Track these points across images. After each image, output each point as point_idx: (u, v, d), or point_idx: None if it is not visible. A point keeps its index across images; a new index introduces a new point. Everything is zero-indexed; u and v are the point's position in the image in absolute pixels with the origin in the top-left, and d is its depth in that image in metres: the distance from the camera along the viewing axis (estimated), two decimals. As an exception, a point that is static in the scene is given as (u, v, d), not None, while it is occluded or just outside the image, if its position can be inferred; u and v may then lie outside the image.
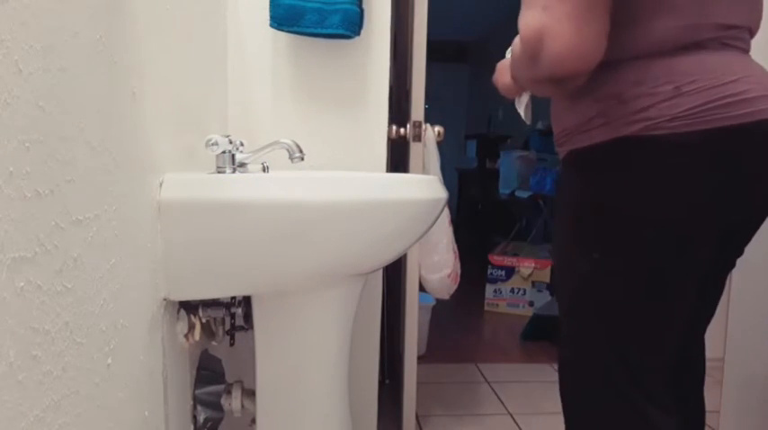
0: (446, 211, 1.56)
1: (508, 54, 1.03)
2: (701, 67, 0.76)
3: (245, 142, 1.13)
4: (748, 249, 0.93)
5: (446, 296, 1.75)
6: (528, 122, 1.16)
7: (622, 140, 0.79)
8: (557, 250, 0.95)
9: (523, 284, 3.23)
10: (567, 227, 0.90)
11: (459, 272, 1.72)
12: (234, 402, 1.13)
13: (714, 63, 0.77)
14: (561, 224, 0.92)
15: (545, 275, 3.20)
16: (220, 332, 1.13)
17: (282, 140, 1.07)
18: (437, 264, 1.66)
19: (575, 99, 0.85)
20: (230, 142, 1.05)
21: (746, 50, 0.82)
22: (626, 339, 0.85)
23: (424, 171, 1.62)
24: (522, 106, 1.13)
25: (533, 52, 0.73)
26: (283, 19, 1.35)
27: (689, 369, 0.97)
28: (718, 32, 0.78)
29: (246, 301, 1.07)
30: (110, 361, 0.70)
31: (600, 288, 0.86)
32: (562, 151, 0.91)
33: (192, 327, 1.02)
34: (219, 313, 1.07)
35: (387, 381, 2.01)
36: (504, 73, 1.05)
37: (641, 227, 0.80)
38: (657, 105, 0.77)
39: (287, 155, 1.07)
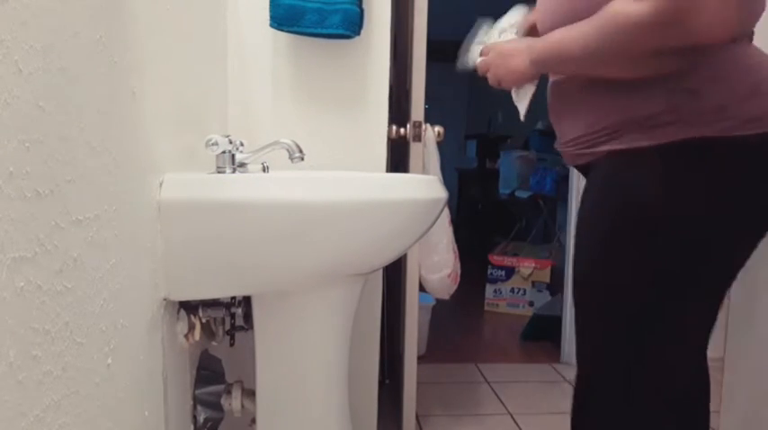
0: (446, 211, 1.56)
1: (501, 36, 1.02)
2: None
3: (245, 142, 1.13)
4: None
5: (446, 296, 1.75)
6: (522, 118, 1.06)
7: (699, 141, 0.75)
8: (587, 262, 0.88)
9: (523, 284, 3.23)
10: (608, 235, 0.84)
11: (459, 272, 1.72)
12: (234, 402, 1.13)
13: None
14: (597, 233, 0.86)
15: (545, 275, 3.20)
16: (220, 332, 1.13)
17: (282, 140, 1.07)
18: (437, 264, 1.66)
19: (630, 92, 0.80)
20: (230, 142, 1.05)
21: None
22: (663, 345, 0.84)
23: (424, 171, 1.62)
24: (525, 98, 1.02)
25: (675, 19, 0.70)
26: (283, 19, 1.35)
27: (700, 382, 0.94)
28: (753, 25, 0.79)
29: (246, 301, 1.07)
30: (110, 361, 0.70)
31: (647, 298, 0.82)
32: (593, 152, 0.85)
33: (192, 327, 1.02)
34: (219, 313, 1.07)
35: (387, 381, 2.00)
36: (510, 56, 0.96)
37: (711, 232, 0.78)
38: (737, 104, 0.75)
39: (287, 155, 1.07)
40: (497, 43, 1.02)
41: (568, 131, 0.91)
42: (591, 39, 0.79)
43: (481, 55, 1.02)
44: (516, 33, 1.05)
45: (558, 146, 0.96)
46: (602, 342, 0.87)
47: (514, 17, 1.06)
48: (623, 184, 0.82)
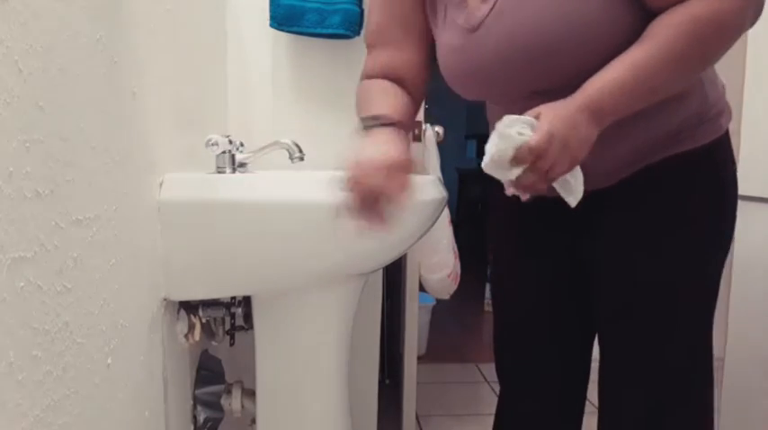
0: (446, 211, 1.56)
1: (502, 154, 0.70)
2: None
3: (245, 142, 1.13)
4: (747, 248, 0.93)
5: (446, 296, 1.75)
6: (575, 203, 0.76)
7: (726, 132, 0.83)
8: (669, 283, 0.83)
9: (523, 284, 3.23)
10: (691, 235, 0.83)
11: (459, 272, 1.72)
12: (234, 402, 1.13)
13: None
14: (682, 238, 0.83)
15: (545, 275, 3.19)
16: (220, 332, 1.13)
17: (282, 140, 1.07)
18: (437, 264, 1.66)
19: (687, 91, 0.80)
20: (230, 142, 1.05)
21: None
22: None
23: (424, 171, 1.62)
24: (578, 177, 0.75)
25: (760, 5, 0.72)
26: (283, 19, 1.35)
27: None
28: None
29: (246, 301, 1.07)
30: (110, 361, 0.70)
31: (716, 282, 0.86)
32: (647, 161, 0.82)
33: (192, 327, 1.02)
34: (219, 313, 1.07)
35: (387, 381, 2.00)
36: (573, 135, 0.70)
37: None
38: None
39: (287, 155, 1.07)
40: (543, 135, 0.69)
41: (614, 147, 0.80)
42: (687, 52, 0.71)
43: (517, 161, 0.71)
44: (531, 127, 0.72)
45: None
46: (703, 345, 0.86)
47: (513, 117, 0.72)
48: (714, 177, 0.84)
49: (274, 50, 1.46)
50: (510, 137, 0.68)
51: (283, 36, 1.43)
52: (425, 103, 1.63)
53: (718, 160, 0.84)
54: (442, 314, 2.76)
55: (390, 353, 2.03)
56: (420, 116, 1.61)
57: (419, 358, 1.80)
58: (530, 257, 0.98)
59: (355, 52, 1.46)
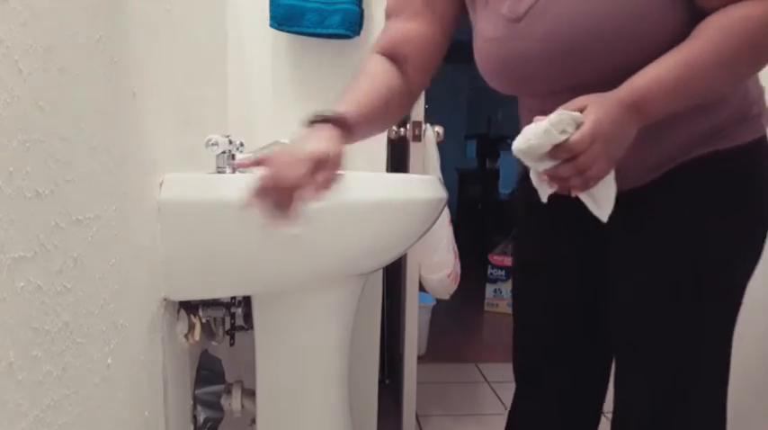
0: (446, 211, 1.56)
1: (561, 134, 0.66)
2: None
3: (245, 142, 1.13)
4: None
5: (446, 296, 1.75)
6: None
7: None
8: (702, 292, 0.80)
9: (523, 284, 3.23)
10: (728, 235, 0.79)
11: (459, 272, 1.72)
12: (234, 402, 1.13)
13: None
14: (721, 242, 0.79)
15: (545, 275, 3.19)
16: (220, 332, 1.13)
17: (282, 140, 1.07)
18: (437, 264, 1.66)
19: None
20: (230, 142, 1.05)
21: None
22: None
23: (424, 171, 1.62)
24: (611, 188, 0.72)
25: None
26: (283, 19, 1.35)
27: None
28: None
29: (246, 301, 1.07)
30: (110, 361, 0.70)
31: (743, 286, 0.83)
32: (683, 158, 0.79)
33: (192, 327, 1.02)
34: (219, 313, 1.07)
35: (387, 381, 2.00)
36: (618, 132, 0.68)
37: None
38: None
39: (287, 155, 1.06)
40: (586, 134, 0.66)
41: (649, 147, 0.78)
42: (737, 55, 0.69)
43: (553, 156, 0.68)
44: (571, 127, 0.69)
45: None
46: (722, 349, 0.84)
47: (563, 115, 0.68)
48: (752, 178, 0.80)
49: (274, 50, 1.46)
50: (553, 135, 0.66)
51: (283, 36, 1.43)
52: (425, 103, 1.63)
53: (755, 161, 0.80)
54: (442, 314, 2.76)
55: (390, 353, 2.03)
56: (420, 116, 1.62)
57: (419, 358, 1.80)
58: (550, 258, 0.96)
59: (355, 52, 1.46)
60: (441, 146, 1.68)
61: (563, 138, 0.66)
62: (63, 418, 0.59)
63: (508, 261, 3.24)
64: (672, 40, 0.71)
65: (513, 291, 1.05)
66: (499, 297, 3.26)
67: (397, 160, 1.82)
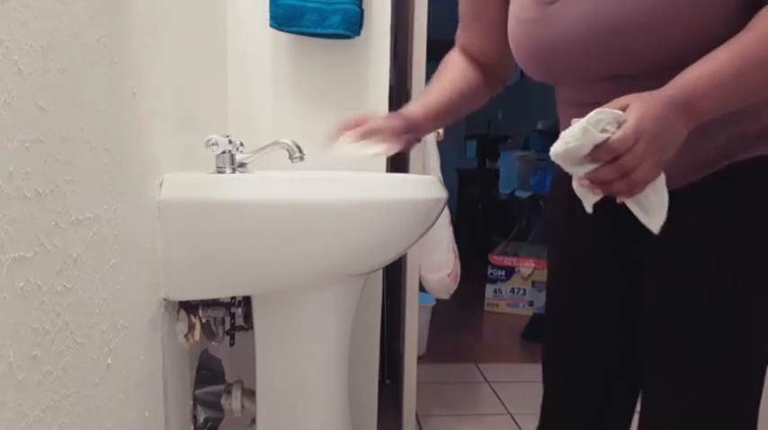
0: (446, 211, 1.56)
1: (602, 133, 0.61)
2: None
3: (245, 142, 1.13)
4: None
5: (446, 296, 1.75)
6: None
7: None
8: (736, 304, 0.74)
9: (523, 284, 3.23)
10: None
11: (459, 272, 1.72)
12: (234, 402, 1.13)
13: None
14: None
15: (545, 275, 3.19)
16: (220, 332, 1.13)
17: (282, 140, 1.07)
18: (437, 264, 1.66)
19: None
20: (230, 142, 1.05)
21: None
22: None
23: (424, 171, 1.62)
24: (663, 191, 0.67)
25: None
26: (283, 19, 1.35)
27: None
28: None
29: (246, 301, 1.07)
30: (110, 361, 0.70)
31: None
32: (730, 160, 0.73)
33: (192, 327, 1.02)
34: (219, 313, 1.07)
35: (387, 381, 2.00)
36: (668, 132, 0.63)
37: None
38: None
39: (287, 155, 1.07)
40: (629, 133, 0.62)
41: (694, 146, 0.71)
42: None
43: (594, 158, 0.64)
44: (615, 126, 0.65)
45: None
46: (756, 360, 0.78)
47: (602, 113, 0.63)
48: (746, 201, 0.73)
49: (274, 50, 1.46)
50: (592, 134, 0.61)
51: (283, 36, 1.43)
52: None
53: None
54: (442, 314, 2.76)
55: (390, 352, 2.03)
56: (420, 116, 1.61)
57: (419, 358, 1.80)
58: (584, 262, 0.92)
59: (355, 52, 1.46)
60: (441, 146, 1.68)
61: (603, 137, 0.61)
62: (63, 418, 0.59)
63: (508, 261, 3.25)
64: (727, 29, 0.64)
65: (549, 302, 1.00)
66: (499, 297, 3.26)
67: (397, 160, 1.82)
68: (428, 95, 1.00)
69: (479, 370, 2.39)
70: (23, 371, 0.51)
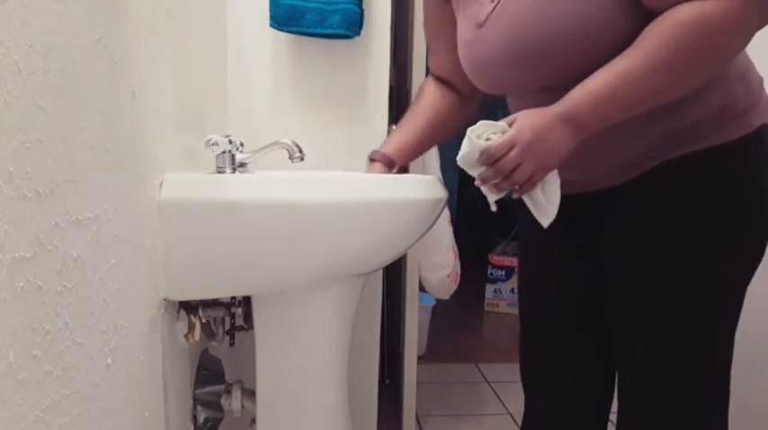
0: (446, 211, 1.56)
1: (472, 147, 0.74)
2: None
3: (245, 142, 1.13)
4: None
5: (446, 296, 1.75)
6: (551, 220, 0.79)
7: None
8: (694, 278, 0.79)
9: (523, 284, 3.23)
10: (718, 235, 0.78)
11: (459, 272, 1.72)
12: (234, 402, 1.13)
13: None
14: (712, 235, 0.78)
15: (545, 275, 3.19)
16: (220, 332, 1.13)
17: (282, 140, 1.07)
18: (437, 264, 1.66)
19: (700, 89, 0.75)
20: (230, 142, 1.05)
21: None
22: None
23: (424, 171, 1.62)
24: (555, 193, 0.78)
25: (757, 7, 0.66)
26: (283, 19, 1.35)
27: None
28: None
29: (246, 301, 1.07)
30: (110, 361, 0.70)
31: (745, 281, 0.82)
32: (665, 157, 0.79)
33: (192, 327, 1.02)
34: (219, 313, 1.06)
35: (387, 381, 2.00)
36: (546, 139, 0.73)
37: None
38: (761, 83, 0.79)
39: (287, 155, 1.07)
40: (505, 141, 0.74)
41: (619, 146, 0.80)
42: (673, 61, 0.68)
43: (482, 162, 0.77)
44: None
45: (585, 170, 0.85)
46: (716, 357, 0.82)
47: (485, 125, 0.76)
48: (736, 177, 0.78)
49: (274, 50, 1.46)
50: (474, 142, 0.75)
51: (283, 36, 1.43)
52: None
53: (747, 159, 0.78)
54: (442, 314, 2.76)
55: (390, 352, 2.03)
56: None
57: (419, 358, 1.80)
58: (548, 262, 1.00)
59: (355, 52, 1.46)
60: (441, 146, 1.68)
61: (487, 144, 0.74)
62: (63, 418, 0.59)
63: (508, 261, 3.24)
64: (627, 42, 0.71)
65: (519, 298, 1.09)
66: (499, 297, 3.26)
67: (397, 160, 1.82)
68: (400, 132, 1.04)
69: (479, 370, 2.39)
70: (23, 371, 0.51)
